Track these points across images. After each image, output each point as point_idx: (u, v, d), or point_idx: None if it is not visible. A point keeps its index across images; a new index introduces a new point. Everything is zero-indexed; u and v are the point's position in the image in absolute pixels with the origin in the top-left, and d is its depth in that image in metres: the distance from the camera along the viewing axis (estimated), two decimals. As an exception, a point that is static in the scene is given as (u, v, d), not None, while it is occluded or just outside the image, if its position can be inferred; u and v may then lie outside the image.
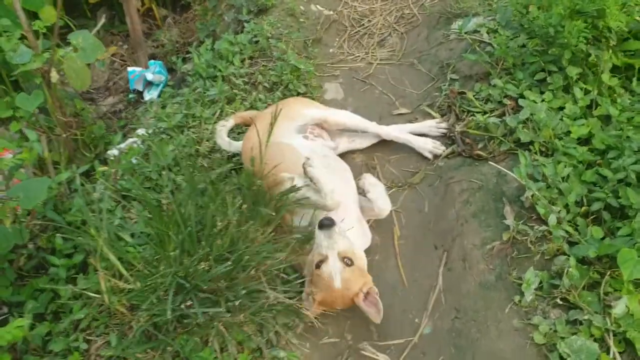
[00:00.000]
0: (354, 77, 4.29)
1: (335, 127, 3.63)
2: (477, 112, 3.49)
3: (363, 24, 4.90)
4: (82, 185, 3.41)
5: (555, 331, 2.55)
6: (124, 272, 2.78)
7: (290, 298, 2.77)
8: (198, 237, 2.72)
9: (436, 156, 3.53)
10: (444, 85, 3.86)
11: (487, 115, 3.44)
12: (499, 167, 3.11)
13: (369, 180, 3.25)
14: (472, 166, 3.31)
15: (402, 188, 3.47)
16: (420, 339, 2.85)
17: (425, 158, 3.56)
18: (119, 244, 2.92)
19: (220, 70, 4.04)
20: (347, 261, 2.75)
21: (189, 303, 2.48)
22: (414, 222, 3.24)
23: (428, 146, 3.55)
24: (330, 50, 4.67)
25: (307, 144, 3.44)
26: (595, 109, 3.28)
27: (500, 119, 3.40)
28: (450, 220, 3.14)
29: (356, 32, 4.85)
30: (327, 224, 2.71)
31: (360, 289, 2.75)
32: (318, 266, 2.74)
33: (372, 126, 3.64)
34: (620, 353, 2.44)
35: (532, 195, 2.91)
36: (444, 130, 3.61)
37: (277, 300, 2.66)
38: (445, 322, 2.84)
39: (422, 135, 3.63)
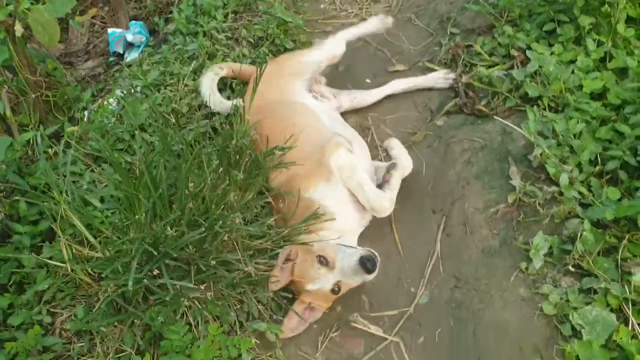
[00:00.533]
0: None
1: (337, 60, 3.48)
2: (482, 66, 3.18)
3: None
4: (50, 147, 3.14)
5: (567, 301, 2.30)
6: (90, 238, 2.52)
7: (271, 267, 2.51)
8: (170, 201, 2.46)
9: (451, 87, 3.33)
10: (444, 40, 3.56)
11: (493, 68, 3.14)
12: (505, 122, 2.85)
13: (395, 142, 3.05)
14: (475, 125, 3.04)
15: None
16: (416, 309, 2.61)
17: (427, 120, 3.28)
18: (86, 209, 2.66)
19: (201, 26, 3.74)
20: (335, 289, 2.57)
21: (156, 272, 2.21)
22: (411, 185, 2.97)
23: (441, 77, 3.39)
24: (322, 6, 4.36)
25: (320, 105, 3.22)
26: (610, 61, 2.99)
27: (505, 73, 3.10)
28: (450, 182, 2.88)
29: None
30: (370, 269, 2.49)
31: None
32: (322, 262, 2.55)
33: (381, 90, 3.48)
34: (640, 324, 2.17)
35: (542, 154, 2.64)
36: (452, 81, 3.36)
37: (256, 273, 2.40)
38: (444, 291, 2.60)
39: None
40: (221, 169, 2.49)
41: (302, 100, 3.10)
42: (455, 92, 3.27)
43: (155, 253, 2.26)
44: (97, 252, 2.54)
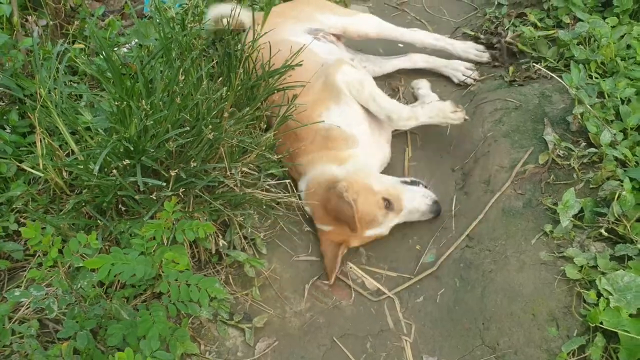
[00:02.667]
0: (385, 3, 3.79)
1: (357, 38, 3.10)
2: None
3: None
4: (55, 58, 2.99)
5: (595, 266, 1.98)
6: (72, 143, 2.33)
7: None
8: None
9: (464, 83, 3.00)
10: (490, 9, 3.34)
11: (541, 31, 2.90)
12: (555, 76, 2.56)
13: (424, 82, 2.94)
14: (511, 87, 2.77)
15: (423, 110, 2.93)
16: (419, 268, 2.31)
17: (456, 84, 3.02)
18: (74, 116, 2.48)
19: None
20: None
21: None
22: (431, 144, 2.72)
23: (471, 52, 3.09)
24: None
25: (323, 45, 2.94)
26: (670, 36, 2.71)
27: (552, 39, 2.86)
28: (475, 140, 2.62)
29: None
30: (439, 212, 2.41)
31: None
32: (388, 206, 2.35)
33: (407, 33, 3.11)
34: (680, 301, 1.84)
35: (582, 113, 2.36)
36: (485, 59, 3.07)
37: (242, 189, 2.16)
38: (453, 251, 2.31)
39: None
40: (220, 78, 2.27)
41: (296, 39, 2.77)
42: (495, 50, 3.03)
43: (132, 149, 2.05)
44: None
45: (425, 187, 2.45)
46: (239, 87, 2.30)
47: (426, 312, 2.19)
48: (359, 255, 2.41)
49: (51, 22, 3.55)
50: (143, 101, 2.10)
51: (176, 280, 1.62)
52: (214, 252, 2.28)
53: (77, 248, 1.64)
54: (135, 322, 1.59)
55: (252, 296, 2.23)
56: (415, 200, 2.37)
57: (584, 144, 2.36)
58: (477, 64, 3.06)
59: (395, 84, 3.14)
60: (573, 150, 2.32)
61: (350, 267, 2.36)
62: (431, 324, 2.16)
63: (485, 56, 3.07)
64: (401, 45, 3.34)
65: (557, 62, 2.77)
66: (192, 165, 2.04)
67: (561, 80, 2.48)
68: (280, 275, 2.32)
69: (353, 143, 2.48)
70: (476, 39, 3.21)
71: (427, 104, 2.61)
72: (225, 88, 2.19)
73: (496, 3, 3.40)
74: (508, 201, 2.31)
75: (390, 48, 3.29)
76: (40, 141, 2.30)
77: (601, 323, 1.82)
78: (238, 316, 2.17)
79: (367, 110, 2.58)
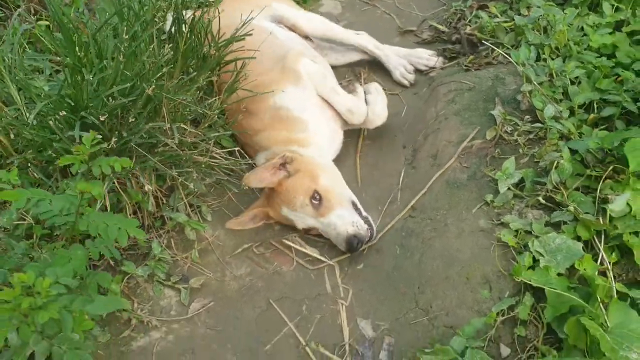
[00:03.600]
0: (358, -1, 3.85)
1: (305, 34, 3.09)
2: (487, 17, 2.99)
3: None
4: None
5: (530, 232, 1.99)
6: (19, 100, 2.34)
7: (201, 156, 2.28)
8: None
9: (402, 84, 3.03)
10: (456, 3, 3.40)
11: (498, 19, 2.95)
12: (504, 54, 2.59)
13: (375, 86, 2.75)
14: (468, 72, 2.81)
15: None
16: (362, 237, 2.31)
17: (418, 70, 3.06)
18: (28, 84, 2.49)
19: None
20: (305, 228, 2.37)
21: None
22: (387, 124, 2.72)
23: (399, 69, 3.05)
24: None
25: (287, 33, 2.98)
26: (626, 27, 2.75)
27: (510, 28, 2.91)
28: (428, 120, 2.65)
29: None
30: (353, 249, 2.23)
31: None
32: (315, 200, 2.30)
33: (353, 37, 3.12)
34: (613, 265, 1.84)
35: (530, 92, 2.40)
36: (405, 82, 3.03)
37: (184, 151, 2.18)
38: (397, 221, 2.30)
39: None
40: (170, 44, 2.29)
41: (258, 23, 2.75)
42: (456, 41, 3.07)
43: (73, 104, 2.07)
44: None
45: (369, 223, 2.28)
46: (189, 53, 2.32)
47: (365, 278, 2.19)
48: (305, 226, 2.41)
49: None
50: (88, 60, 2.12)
51: (96, 220, 1.62)
52: (158, 217, 2.29)
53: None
54: (53, 260, 1.59)
55: (192, 259, 2.23)
56: (342, 220, 2.25)
57: (531, 120, 2.38)
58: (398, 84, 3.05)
59: (359, 70, 3.17)
60: (519, 126, 2.34)
61: (295, 236, 2.35)
62: (369, 289, 2.15)
63: (409, 78, 3.03)
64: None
65: (514, 48, 2.81)
66: (130, 121, 2.06)
67: (511, 60, 2.51)
68: (223, 241, 2.33)
69: (304, 127, 2.49)
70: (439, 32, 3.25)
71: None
72: (170, 49, 2.22)
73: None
74: (453, 174, 2.33)
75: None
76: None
77: (530, 283, 1.82)
78: (175, 277, 2.17)
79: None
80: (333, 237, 2.27)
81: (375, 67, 3.13)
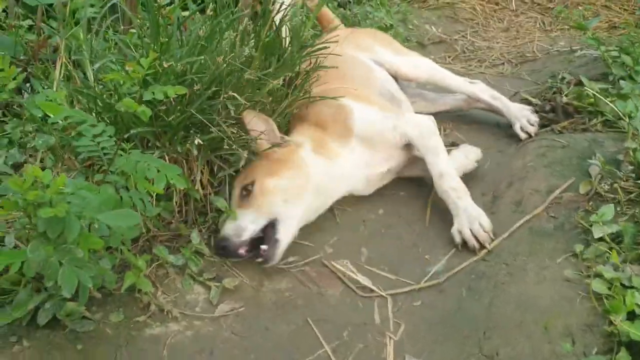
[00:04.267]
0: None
1: (407, 80, 3.00)
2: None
3: (476, 52, 4.46)
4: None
5: (628, 286, 1.67)
6: (88, 66, 2.26)
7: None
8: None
9: (528, 135, 2.75)
10: (553, 81, 3.24)
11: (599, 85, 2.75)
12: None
13: (476, 153, 2.52)
14: (563, 134, 2.58)
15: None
16: (423, 275, 2.04)
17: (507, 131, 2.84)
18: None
19: None
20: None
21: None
22: (465, 174, 2.49)
23: (521, 121, 2.77)
24: (431, 56, 4.22)
25: (383, 71, 2.88)
26: None
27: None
28: (513, 169, 2.41)
29: (466, 56, 4.41)
30: (220, 254, 2.04)
31: None
32: (244, 194, 2.12)
33: (462, 83, 2.97)
34: None
35: (635, 150, 2.14)
36: (531, 132, 2.72)
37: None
38: (466, 262, 2.02)
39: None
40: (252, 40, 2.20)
41: (363, 60, 2.82)
42: (551, 110, 2.85)
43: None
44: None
45: (273, 246, 2.01)
46: (267, 49, 2.22)
47: (422, 316, 1.88)
48: (359, 254, 2.15)
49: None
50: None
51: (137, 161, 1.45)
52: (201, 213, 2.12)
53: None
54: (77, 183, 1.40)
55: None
56: (239, 222, 2.03)
57: (634, 177, 2.10)
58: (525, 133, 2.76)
59: (443, 125, 3.00)
60: (618, 182, 2.06)
61: (346, 262, 2.09)
62: (425, 328, 1.84)
63: (531, 130, 2.73)
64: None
65: (617, 119, 2.57)
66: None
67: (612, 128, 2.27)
68: (267, 251, 2.09)
69: (344, 142, 2.32)
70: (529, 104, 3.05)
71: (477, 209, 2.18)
72: (252, 43, 2.13)
73: (560, 77, 3.29)
74: (538, 222, 2.06)
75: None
76: (61, 65, 2.26)
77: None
78: (208, 274, 1.94)
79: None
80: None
81: (460, 120, 2.96)
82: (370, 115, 2.36)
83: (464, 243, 2.08)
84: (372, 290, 1.99)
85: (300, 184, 2.14)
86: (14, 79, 1.45)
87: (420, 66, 3.00)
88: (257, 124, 2.13)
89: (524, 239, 2.01)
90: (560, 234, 1.97)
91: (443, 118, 3.02)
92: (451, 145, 2.78)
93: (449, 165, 2.26)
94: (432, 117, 2.48)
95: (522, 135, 2.71)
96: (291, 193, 2.12)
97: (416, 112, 2.90)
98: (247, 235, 2.02)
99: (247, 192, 2.09)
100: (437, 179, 2.23)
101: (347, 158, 2.30)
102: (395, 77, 2.97)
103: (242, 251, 2.00)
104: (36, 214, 1.15)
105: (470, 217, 2.10)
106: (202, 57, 2.02)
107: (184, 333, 1.75)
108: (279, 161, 2.16)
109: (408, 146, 2.39)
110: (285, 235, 2.05)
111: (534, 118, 2.79)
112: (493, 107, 2.91)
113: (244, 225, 2.03)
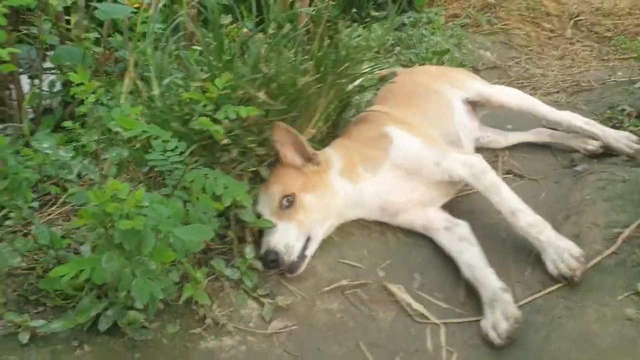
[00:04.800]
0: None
1: (499, 108, 3.04)
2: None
3: (530, 80, 4.43)
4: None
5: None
6: (154, 80, 2.33)
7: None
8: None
9: (572, 164, 2.77)
10: (611, 110, 3.19)
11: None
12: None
13: None
14: (622, 166, 2.54)
15: (521, 178, 2.74)
16: (478, 307, 2.00)
17: (565, 166, 2.81)
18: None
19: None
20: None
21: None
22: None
23: (622, 141, 2.75)
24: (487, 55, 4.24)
25: (468, 120, 2.91)
26: None
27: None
28: (571, 202, 2.38)
29: (520, 83, 4.37)
30: (271, 267, 2.04)
31: None
32: (285, 205, 2.14)
33: (556, 112, 2.94)
34: None
35: None
36: (632, 152, 2.70)
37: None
38: (523, 295, 1.99)
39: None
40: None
41: (449, 98, 2.85)
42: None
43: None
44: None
45: (301, 259, 2.06)
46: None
47: (475, 345, 1.86)
48: (412, 279, 2.15)
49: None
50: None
51: (205, 175, 1.49)
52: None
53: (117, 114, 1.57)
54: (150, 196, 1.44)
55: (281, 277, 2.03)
56: (283, 234, 2.06)
57: None
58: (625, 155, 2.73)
59: (497, 152, 2.99)
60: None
61: (400, 287, 2.09)
62: (477, 358, 1.81)
63: (635, 147, 2.72)
64: (510, 126, 3.24)
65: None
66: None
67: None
68: (320, 272, 2.11)
69: (378, 168, 2.31)
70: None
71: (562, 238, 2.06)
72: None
73: (619, 108, 3.23)
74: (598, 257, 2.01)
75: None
76: (130, 80, 2.33)
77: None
78: (262, 290, 1.96)
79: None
80: (264, 241, 2.08)
81: (516, 149, 2.95)
82: (412, 146, 2.33)
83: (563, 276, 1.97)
84: (425, 317, 1.98)
85: (329, 204, 2.20)
86: (93, 93, 1.51)
87: (509, 93, 3.05)
88: (287, 137, 2.15)
89: (584, 274, 1.96)
90: (621, 271, 1.93)
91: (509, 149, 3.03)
92: (507, 173, 2.78)
93: (518, 200, 2.14)
94: (480, 155, 2.40)
95: (628, 151, 2.71)
96: (323, 212, 2.17)
97: (489, 148, 3.03)
98: (295, 254, 2.05)
99: (288, 203, 2.11)
100: (510, 217, 2.11)
101: (371, 183, 2.29)
102: (486, 105, 3.04)
103: (285, 265, 2.04)
104: (113, 225, 1.19)
105: (559, 250, 1.99)
106: (263, 73, 2.07)
107: (237, 348, 1.77)
108: (311, 178, 2.19)
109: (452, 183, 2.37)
110: (311, 252, 2.12)
111: (635, 137, 2.77)
112: (587, 133, 2.86)
113: (291, 243, 2.05)
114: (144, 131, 1.46)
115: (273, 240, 2.04)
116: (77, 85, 1.51)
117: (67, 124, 1.77)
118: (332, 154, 2.34)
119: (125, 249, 1.22)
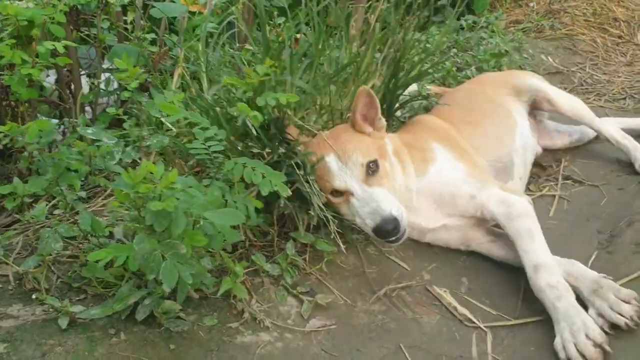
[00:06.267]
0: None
1: (554, 110, 2.86)
2: None
3: (595, 86, 4.23)
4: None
5: None
6: (204, 77, 2.34)
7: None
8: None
9: None
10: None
11: None
12: None
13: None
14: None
15: (580, 184, 2.60)
16: (528, 313, 1.91)
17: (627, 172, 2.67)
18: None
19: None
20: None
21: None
22: (580, 210, 2.40)
23: None
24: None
25: (530, 137, 2.73)
26: None
27: None
28: (634, 208, 2.23)
29: (584, 89, 4.19)
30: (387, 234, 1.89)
31: None
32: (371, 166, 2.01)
33: (600, 123, 2.80)
34: None
35: None
36: None
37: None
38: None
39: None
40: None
41: (512, 112, 2.69)
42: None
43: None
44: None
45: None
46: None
47: (521, 353, 1.76)
48: (459, 283, 2.06)
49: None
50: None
51: (244, 164, 1.46)
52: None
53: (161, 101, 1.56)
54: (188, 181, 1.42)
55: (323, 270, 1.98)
56: (386, 199, 1.91)
57: None
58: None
59: (559, 157, 2.85)
60: None
61: (446, 291, 2.01)
62: (525, 367, 1.71)
63: None
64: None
65: None
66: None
67: None
68: (364, 270, 2.05)
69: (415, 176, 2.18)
70: None
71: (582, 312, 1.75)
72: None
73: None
74: (664, 267, 1.87)
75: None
76: (179, 75, 2.35)
77: None
78: (302, 288, 1.92)
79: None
80: (365, 213, 1.90)
81: (577, 154, 2.83)
82: (451, 171, 2.19)
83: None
84: (471, 322, 1.89)
85: (396, 175, 2.10)
86: (137, 79, 1.51)
87: (568, 98, 2.90)
88: (365, 101, 2.07)
89: (646, 283, 1.83)
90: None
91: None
92: (566, 179, 2.64)
93: (548, 255, 1.90)
94: (529, 198, 2.23)
95: None
96: (396, 181, 2.07)
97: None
98: (405, 220, 1.92)
99: (375, 168, 1.99)
100: (530, 271, 1.86)
101: (410, 183, 2.16)
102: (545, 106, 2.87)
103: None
104: (145, 207, 1.18)
105: (574, 327, 1.67)
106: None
107: (274, 344, 1.73)
108: (382, 146, 2.10)
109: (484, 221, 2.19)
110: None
111: None
112: (620, 147, 2.74)
113: (400, 207, 1.93)
114: (185, 119, 1.45)
115: (385, 207, 1.88)
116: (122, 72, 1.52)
117: (110, 110, 1.78)
118: (386, 136, 2.22)
119: (157, 232, 1.21)
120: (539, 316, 1.87)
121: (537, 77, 3.02)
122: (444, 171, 2.18)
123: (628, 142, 2.72)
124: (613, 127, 2.80)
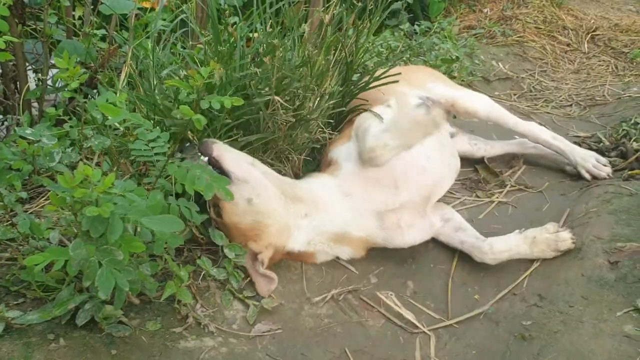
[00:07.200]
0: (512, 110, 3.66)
1: (465, 115, 2.83)
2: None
3: (543, 92, 4.35)
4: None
5: (697, 350, 1.53)
6: (152, 74, 2.31)
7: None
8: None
9: (595, 178, 2.62)
10: (625, 125, 3.10)
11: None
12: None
13: None
14: (630, 182, 2.45)
15: (525, 190, 2.65)
16: (471, 318, 1.93)
17: (567, 173, 2.73)
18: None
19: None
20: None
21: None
22: (523, 215, 2.44)
23: (590, 161, 2.65)
24: (496, 92, 4.14)
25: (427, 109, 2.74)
26: None
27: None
28: (575, 214, 2.28)
29: (532, 95, 4.30)
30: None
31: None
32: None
33: (522, 123, 2.77)
34: None
35: None
36: (603, 175, 2.60)
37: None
38: (518, 306, 1.93)
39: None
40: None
41: (403, 91, 2.64)
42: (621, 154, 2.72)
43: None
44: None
45: None
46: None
47: (465, 357, 1.79)
48: (405, 287, 2.08)
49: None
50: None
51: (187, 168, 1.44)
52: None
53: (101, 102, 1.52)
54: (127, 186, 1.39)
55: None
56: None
57: None
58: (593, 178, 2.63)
59: (513, 162, 2.89)
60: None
61: (390, 294, 2.02)
62: (467, 371, 1.74)
63: (605, 171, 2.61)
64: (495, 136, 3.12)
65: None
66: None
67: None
68: (310, 277, 2.05)
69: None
70: (600, 152, 2.86)
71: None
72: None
73: (632, 122, 3.15)
74: (598, 271, 1.93)
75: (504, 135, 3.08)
76: (126, 73, 2.30)
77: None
78: (248, 292, 1.90)
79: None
80: None
81: (525, 162, 2.86)
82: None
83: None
84: (415, 326, 1.91)
85: None
86: (78, 79, 1.47)
87: (477, 99, 2.82)
88: None
89: (581, 287, 1.89)
90: (621, 286, 1.85)
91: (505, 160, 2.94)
92: (512, 186, 2.70)
93: None
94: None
95: (588, 177, 2.61)
96: None
97: (475, 157, 2.92)
98: None
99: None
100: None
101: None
102: (451, 112, 2.83)
103: None
104: (81, 212, 1.15)
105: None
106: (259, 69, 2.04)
107: (218, 349, 1.71)
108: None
109: None
110: None
111: (604, 159, 2.66)
112: (553, 148, 2.74)
113: None
114: (125, 120, 1.42)
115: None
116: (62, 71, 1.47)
117: (51, 110, 1.73)
118: None
119: (93, 237, 1.18)
120: (483, 321, 1.91)
121: (439, 78, 2.95)
122: None
123: (560, 142, 2.71)
124: (541, 130, 2.76)
